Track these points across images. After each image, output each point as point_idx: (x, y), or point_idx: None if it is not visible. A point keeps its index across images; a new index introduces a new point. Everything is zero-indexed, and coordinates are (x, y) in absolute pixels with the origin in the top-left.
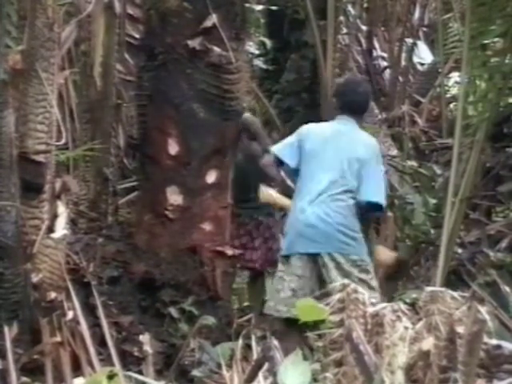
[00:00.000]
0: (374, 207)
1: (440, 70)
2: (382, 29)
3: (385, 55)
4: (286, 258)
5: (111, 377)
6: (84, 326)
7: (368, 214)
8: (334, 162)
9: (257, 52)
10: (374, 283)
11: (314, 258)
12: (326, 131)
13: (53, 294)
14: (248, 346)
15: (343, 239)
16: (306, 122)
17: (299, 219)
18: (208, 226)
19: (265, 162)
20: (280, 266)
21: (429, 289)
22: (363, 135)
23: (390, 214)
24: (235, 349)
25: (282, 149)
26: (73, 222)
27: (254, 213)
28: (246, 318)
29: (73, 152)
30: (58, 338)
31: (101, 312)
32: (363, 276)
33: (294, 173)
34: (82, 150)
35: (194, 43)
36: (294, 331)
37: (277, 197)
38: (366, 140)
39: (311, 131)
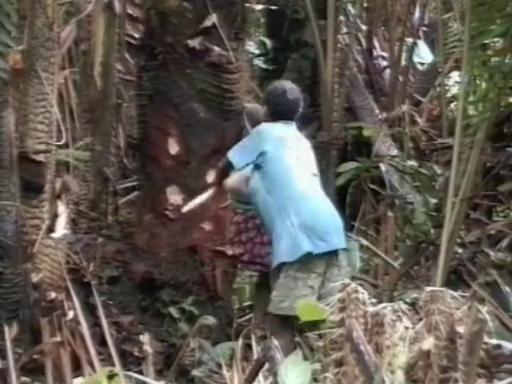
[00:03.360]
0: None
1: (440, 70)
2: (382, 28)
3: (385, 55)
4: (298, 260)
5: (111, 376)
6: (84, 326)
7: None
8: (308, 163)
9: (257, 52)
10: None
11: (328, 255)
12: (285, 132)
13: (53, 294)
14: (248, 346)
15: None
16: (306, 122)
17: (313, 220)
18: (208, 226)
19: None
20: (288, 267)
21: (429, 289)
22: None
23: (390, 213)
24: (235, 348)
25: (242, 158)
26: (73, 222)
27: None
28: (246, 317)
29: (72, 151)
30: (58, 338)
31: (101, 312)
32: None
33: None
34: (82, 148)
35: (194, 43)
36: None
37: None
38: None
39: (270, 133)
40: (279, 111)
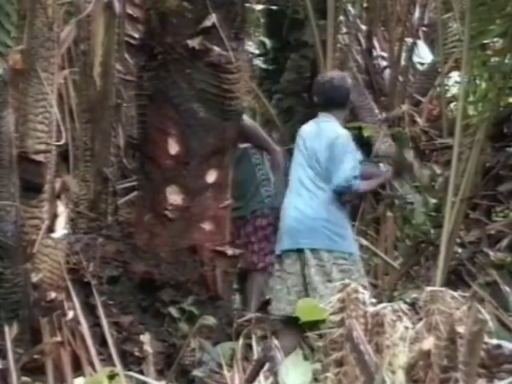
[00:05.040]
0: (341, 190)
1: (440, 70)
2: (382, 28)
3: (385, 55)
4: (279, 256)
5: (112, 377)
6: (84, 326)
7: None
8: (308, 159)
9: (257, 52)
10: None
11: (299, 254)
12: (307, 130)
13: (53, 294)
14: (248, 346)
15: (328, 234)
16: (306, 122)
17: (284, 218)
18: (208, 226)
19: None
20: (276, 266)
21: (429, 288)
22: (331, 129)
23: (389, 213)
24: (236, 348)
25: None
26: (72, 222)
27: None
28: (246, 317)
29: None
30: (59, 338)
31: (101, 312)
32: (341, 276)
33: None
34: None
35: (194, 43)
36: (293, 330)
37: None
38: (331, 133)
39: (302, 132)
40: (327, 100)
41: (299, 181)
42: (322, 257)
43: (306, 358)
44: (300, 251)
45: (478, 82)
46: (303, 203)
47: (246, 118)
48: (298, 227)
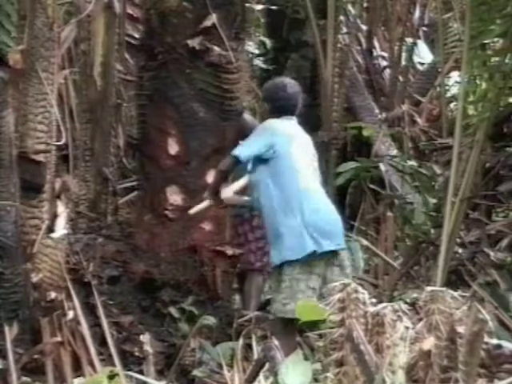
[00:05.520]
0: None
1: (440, 70)
2: (382, 28)
3: (385, 55)
4: (300, 260)
5: (112, 377)
6: (84, 326)
7: None
8: (311, 159)
9: (257, 52)
10: None
11: (321, 255)
12: (291, 128)
13: (53, 294)
14: (249, 346)
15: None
16: (306, 122)
17: (314, 219)
18: (208, 226)
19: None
20: (291, 268)
21: (429, 288)
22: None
23: (389, 213)
24: (236, 348)
25: (248, 151)
26: (72, 222)
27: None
28: (246, 317)
29: None
30: (59, 338)
31: (101, 312)
32: (351, 269)
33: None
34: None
35: (194, 43)
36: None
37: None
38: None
39: (278, 128)
40: (281, 106)
41: (314, 178)
42: (343, 256)
43: (306, 357)
44: (327, 253)
45: (478, 81)
46: (328, 202)
47: (247, 116)
48: (331, 228)
